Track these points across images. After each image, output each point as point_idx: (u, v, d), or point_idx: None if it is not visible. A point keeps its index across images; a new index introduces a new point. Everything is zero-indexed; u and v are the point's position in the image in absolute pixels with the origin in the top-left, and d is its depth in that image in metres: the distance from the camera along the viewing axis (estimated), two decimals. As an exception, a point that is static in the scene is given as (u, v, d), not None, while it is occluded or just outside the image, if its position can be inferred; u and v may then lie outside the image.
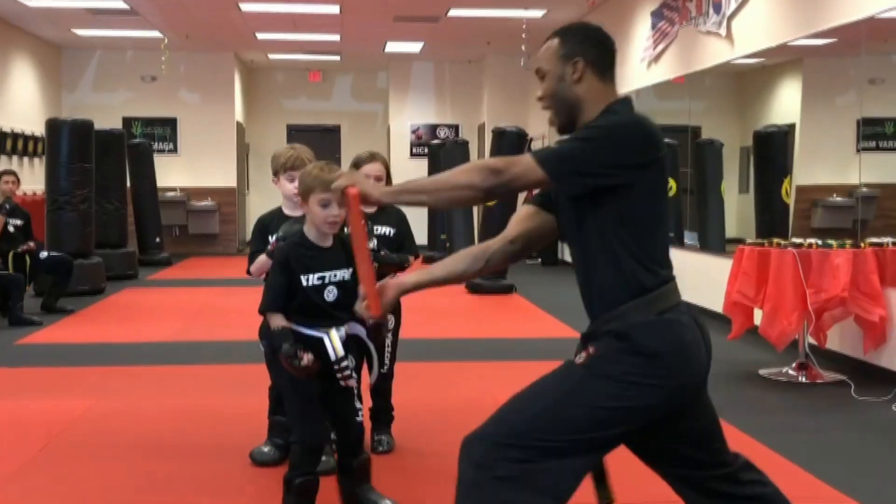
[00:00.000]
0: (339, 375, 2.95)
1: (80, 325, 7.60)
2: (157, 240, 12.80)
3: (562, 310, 8.29)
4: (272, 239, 3.42)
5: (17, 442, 4.16)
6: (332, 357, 2.92)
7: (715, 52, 7.92)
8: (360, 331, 3.04)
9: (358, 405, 3.37)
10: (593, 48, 2.29)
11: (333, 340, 2.93)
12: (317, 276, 2.98)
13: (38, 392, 5.18)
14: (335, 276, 3.00)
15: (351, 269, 2.98)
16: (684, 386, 2.14)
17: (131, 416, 4.65)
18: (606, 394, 2.09)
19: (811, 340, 5.53)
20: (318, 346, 2.93)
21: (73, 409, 4.73)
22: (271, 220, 3.61)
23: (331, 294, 2.99)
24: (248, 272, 3.55)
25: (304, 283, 2.96)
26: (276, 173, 3.69)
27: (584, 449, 2.11)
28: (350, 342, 3.02)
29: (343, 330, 2.99)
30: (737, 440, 4.18)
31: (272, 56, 15.27)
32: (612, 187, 2.12)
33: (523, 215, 2.45)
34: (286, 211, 3.67)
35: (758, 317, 5.54)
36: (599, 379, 2.11)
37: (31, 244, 8.10)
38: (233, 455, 3.86)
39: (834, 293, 5.19)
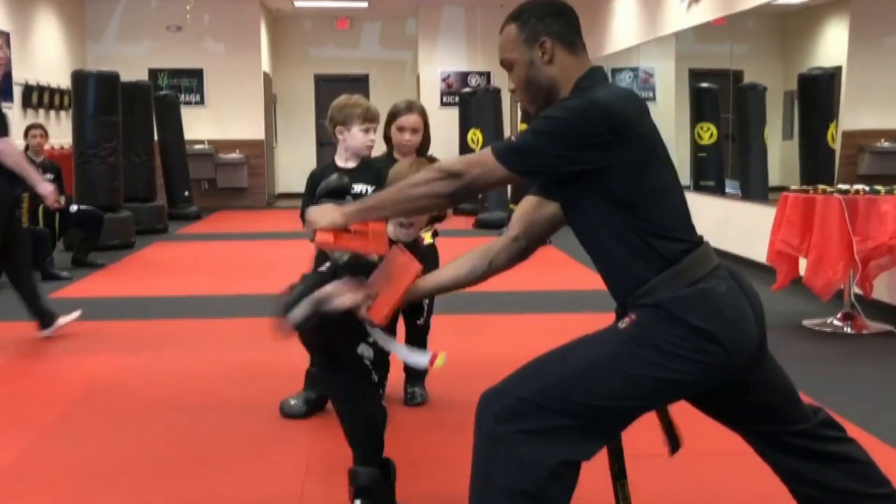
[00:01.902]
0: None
1: (111, 280, 7.59)
2: (186, 193, 12.77)
3: (597, 260, 8.17)
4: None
5: (50, 397, 4.14)
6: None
7: (757, -8, 7.66)
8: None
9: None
10: (555, 22, 2.11)
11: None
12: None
13: (70, 347, 5.17)
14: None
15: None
16: (732, 359, 2.00)
17: (163, 371, 4.61)
18: (648, 362, 1.97)
19: (857, 290, 5.40)
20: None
21: (105, 363, 4.71)
22: (322, 173, 3.52)
23: None
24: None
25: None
26: (343, 123, 3.58)
27: (611, 416, 2.02)
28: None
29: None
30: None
31: (298, 4, 15.06)
32: (587, 171, 1.99)
33: (526, 209, 2.34)
34: (340, 163, 3.60)
35: (802, 266, 5.39)
36: (642, 347, 1.99)
37: (62, 200, 8.07)
38: (266, 410, 3.83)
39: (881, 241, 5.06)
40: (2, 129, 5.00)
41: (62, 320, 5.29)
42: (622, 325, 2.05)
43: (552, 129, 1.99)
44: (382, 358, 2.71)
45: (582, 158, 1.98)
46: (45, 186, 5.24)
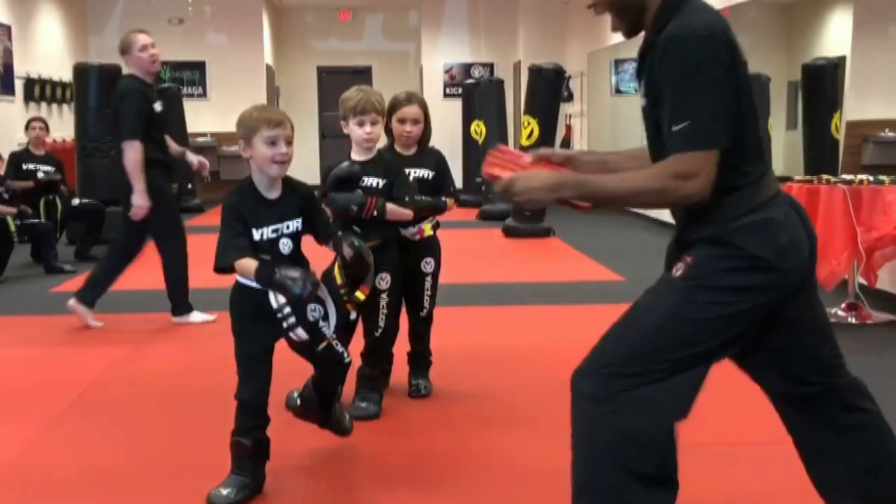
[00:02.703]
0: (284, 325, 2.78)
1: (114, 272, 7.58)
2: (189, 186, 12.76)
3: (601, 252, 8.17)
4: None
5: (53, 390, 4.14)
6: (274, 306, 2.76)
7: (760, -18, 7.63)
8: (323, 292, 2.84)
9: (340, 349, 3.01)
10: None
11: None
12: (270, 228, 2.81)
13: (74, 340, 5.18)
14: (288, 227, 2.83)
15: (301, 219, 2.85)
16: (787, 280, 2.04)
17: (167, 364, 4.62)
18: (712, 303, 2.02)
19: (861, 280, 5.39)
20: (263, 298, 2.77)
21: (108, 356, 4.71)
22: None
23: (286, 247, 2.83)
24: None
25: (257, 237, 2.78)
26: (344, 118, 3.57)
27: (699, 361, 2.06)
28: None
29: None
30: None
31: (301, -4, 15.04)
32: None
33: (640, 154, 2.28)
34: (354, 156, 3.59)
35: (806, 257, 5.38)
36: (703, 290, 2.03)
37: (63, 188, 8.09)
38: (271, 403, 3.80)
39: (886, 231, 5.05)
40: (135, 133, 5.13)
41: (196, 316, 5.51)
42: (678, 272, 2.08)
43: (702, 79, 1.94)
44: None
45: (730, 89, 1.96)
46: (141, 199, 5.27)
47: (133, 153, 5.12)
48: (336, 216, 3.44)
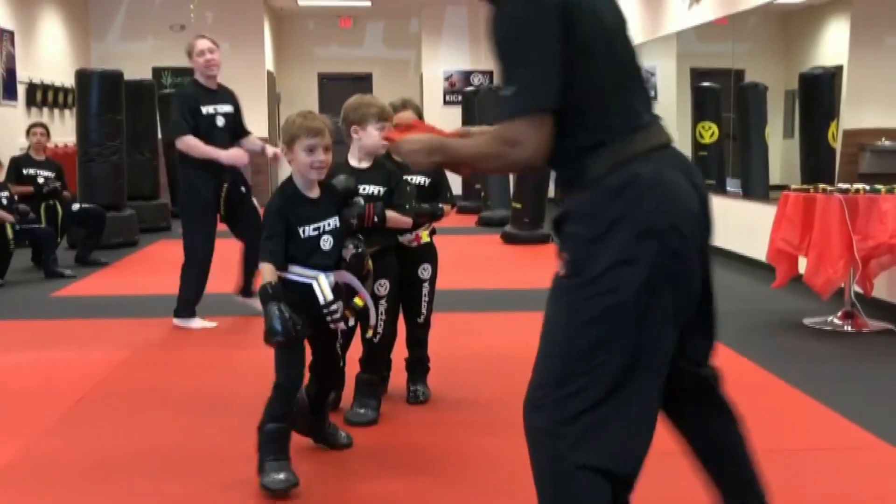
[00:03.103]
0: (329, 318, 3.02)
1: (114, 278, 7.62)
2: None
3: (598, 259, 8.19)
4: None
5: (53, 394, 4.16)
6: (322, 301, 2.99)
7: (759, -8, 7.67)
8: (351, 279, 3.12)
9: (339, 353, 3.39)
10: None
11: (322, 285, 3.00)
12: (312, 226, 3.05)
13: (74, 344, 5.19)
14: (329, 224, 3.08)
15: (338, 217, 3.12)
16: (665, 239, 1.87)
17: (167, 369, 4.64)
18: (597, 295, 1.87)
19: (857, 289, 5.41)
20: (308, 292, 3.00)
21: (108, 361, 4.73)
22: (333, 172, 3.54)
23: (326, 243, 3.07)
24: None
25: (302, 234, 3.02)
26: (358, 123, 3.59)
27: (631, 366, 1.88)
28: (341, 290, 3.10)
29: (332, 276, 3.06)
30: (781, 390, 4.11)
31: (302, 2, 15.07)
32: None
33: None
34: (353, 163, 3.62)
35: (802, 265, 5.41)
36: (585, 286, 1.88)
37: (59, 187, 8.12)
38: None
39: (881, 240, 5.07)
40: (177, 129, 5.30)
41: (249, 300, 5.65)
42: (561, 271, 1.96)
43: (526, 42, 1.88)
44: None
45: (564, 49, 1.88)
46: (227, 155, 5.37)
47: (183, 144, 5.32)
48: None
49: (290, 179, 3.10)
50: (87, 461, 3.33)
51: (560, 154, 1.93)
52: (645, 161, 1.91)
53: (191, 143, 5.29)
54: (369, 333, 3.59)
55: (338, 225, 3.11)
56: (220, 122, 5.38)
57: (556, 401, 1.91)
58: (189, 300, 5.52)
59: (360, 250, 3.11)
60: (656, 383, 1.95)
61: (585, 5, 1.91)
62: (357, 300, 3.17)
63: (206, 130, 5.31)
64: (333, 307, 3.01)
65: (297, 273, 3.03)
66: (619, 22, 2.01)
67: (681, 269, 1.91)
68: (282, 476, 2.95)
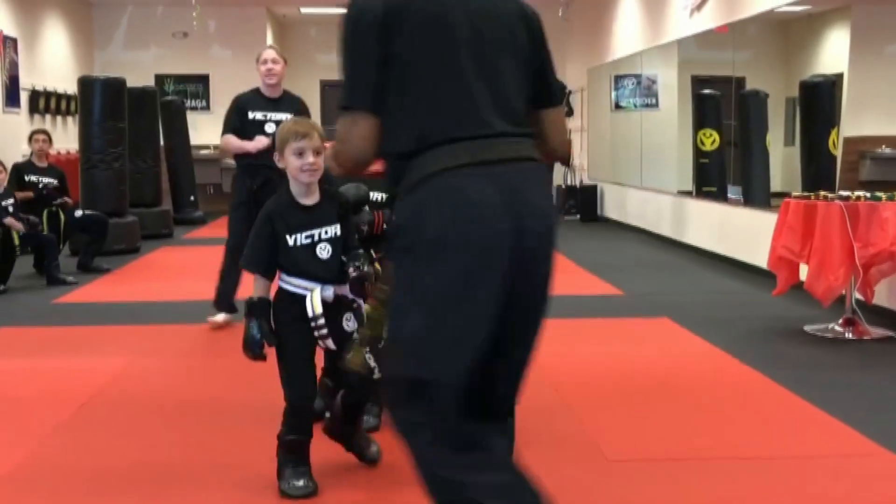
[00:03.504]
0: (315, 334, 2.95)
1: (116, 284, 7.63)
2: (192, 198, 12.81)
3: (600, 266, 8.20)
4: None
5: (55, 400, 4.17)
6: (311, 314, 2.92)
7: (760, 0, 7.68)
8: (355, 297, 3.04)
9: (372, 363, 3.23)
10: None
11: (314, 299, 2.92)
12: (304, 234, 2.96)
13: (76, 351, 5.20)
14: (325, 232, 2.98)
15: (339, 226, 3.01)
16: (444, 247, 1.89)
17: (168, 375, 4.64)
18: (400, 307, 1.99)
19: (858, 296, 5.41)
20: (303, 302, 2.95)
21: (110, 367, 4.73)
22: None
23: (324, 251, 2.98)
24: None
25: (291, 242, 2.95)
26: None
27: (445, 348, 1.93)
28: (344, 304, 3.02)
29: (331, 290, 2.97)
30: (782, 397, 4.11)
31: (304, 10, 15.11)
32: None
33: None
34: None
35: (803, 272, 5.42)
36: (393, 297, 2.03)
37: (67, 199, 8.14)
38: (275, 415, 3.83)
39: (882, 247, 5.07)
40: (223, 129, 5.59)
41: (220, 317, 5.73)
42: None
43: (345, 52, 2.05)
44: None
45: (380, 57, 2.01)
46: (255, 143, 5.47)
47: (221, 142, 5.65)
48: None
49: (287, 186, 3.04)
50: (88, 468, 3.33)
51: (386, 161, 2.04)
52: (452, 175, 1.92)
53: (224, 140, 5.57)
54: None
55: (338, 233, 3.01)
56: (270, 128, 5.46)
57: (387, 383, 2.11)
58: (221, 293, 5.67)
59: (361, 272, 2.97)
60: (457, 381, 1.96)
61: (411, 22, 1.97)
62: (366, 305, 3.14)
63: (251, 134, 5.44)
64: (320, 322, 2.92)
65: (295, 285, 2.98)
66: (472, 34, 1.99)
67: (464, 287, 1.91)
68: (301, 483, 2.97)
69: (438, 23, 1.98)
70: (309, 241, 2.96)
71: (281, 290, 3.01)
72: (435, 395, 1.93)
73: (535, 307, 2.02)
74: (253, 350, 2.92)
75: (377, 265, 3.41)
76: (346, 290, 3.02)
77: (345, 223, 3.07)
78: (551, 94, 2.14)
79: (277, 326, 2.98)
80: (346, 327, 3.01)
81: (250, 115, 5.49)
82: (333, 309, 2.97)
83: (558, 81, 2.20)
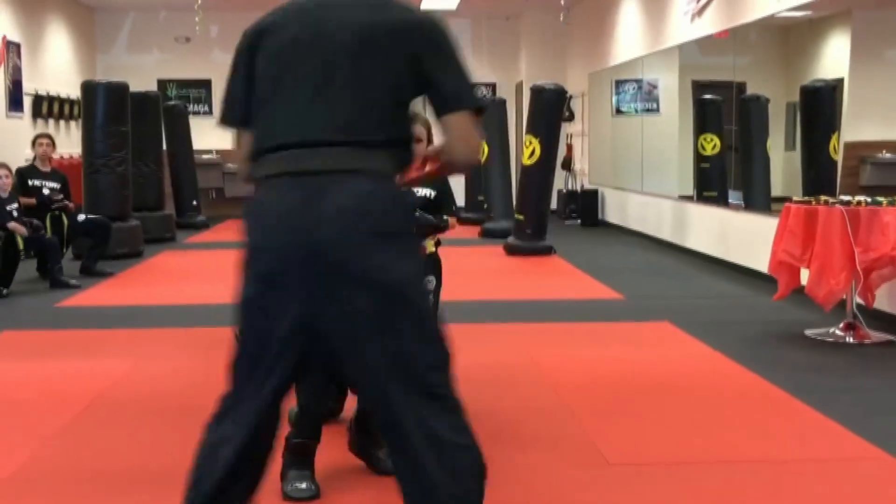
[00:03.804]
0: None
1: (119, 288, 7.65)
2: (194, 203, 12.84)
3: (601, 271, 8.21)
4: None
5: (58, 403, 4.18)
6: None
7: (760, 5, 7.71)
8: None
9: None
10: None
11: None
12: None
13: (79, 354, 5.22)
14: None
15: None
16: (248, 260, 2.04)
17: (171, 378, 4.66)
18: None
19: (859, 300, 5.42)
20: None
21: (113, 371, 4.75)
22: None
23: None
24: None
25: None
26: None
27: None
28: None
29: None
30: (783, 401, 4.12)
31: (306, 16, 15.15)
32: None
33: None
34: None
35: (804, 277, 5.43)
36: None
37: (69, 203, 8.16)
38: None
39: (883, 252, 5.08)
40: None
41: None
42: None
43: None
44: None
45: (243, 76, 2.17)
46: None
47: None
48: None
49: None
50: (90, 471, 3.34)
51: None
52: (267, 183, 2.05)
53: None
54: None
55: None
56: None
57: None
58: None
59: None
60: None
61: (266, 40, 2.11)
62: None
63: None
64: None
65: None
66: (313, 49, 2.05)
67: (252, 298, 2.03)
68: (304, 485, 3.01)
69: (284, 40, 2.08)
70: None
71: None
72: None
73: (357, 313, 1.94)
74: None
75: None
76: None
77: None
78: (444, 100, 2.10)
79: None
80: None
81: None
82: None
83: (465, 85, 2.15)
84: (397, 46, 2.04)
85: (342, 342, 1.99)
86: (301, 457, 3.05)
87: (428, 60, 2.06)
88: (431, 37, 2.09)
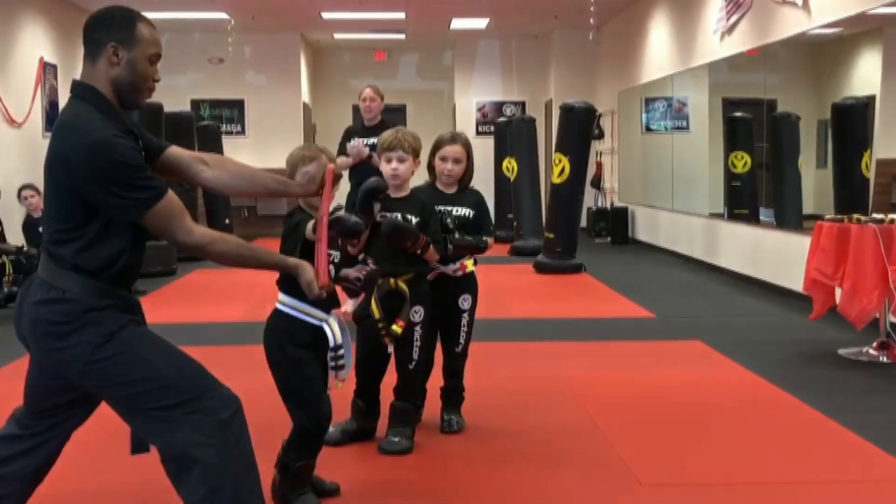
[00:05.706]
0: (332, 364, 2.99)
1: (153, 306, 7.67)
2: (227, 221, 12.96)
3: (632, 289, 8.19)
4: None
5: (91, 421, 4.21)
6: (332, 343, 2.97)
7: (791, 23, 7.69)
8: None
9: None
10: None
11: (333, 327, 2.98)
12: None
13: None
14: (333, 256, 3.02)
15: (340, 252, 3.07)
16: None
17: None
18: None
19: (892, 319, 5.38)
20: (318, 333, 2.99)
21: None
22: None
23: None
24: None
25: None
26: (379, 155, 3.73)
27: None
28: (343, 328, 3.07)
29: (336, 325, 3.01)
30: (816, 422, 4.10)
31: (338, 36, 15.31)
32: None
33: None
34: (391, 193, 3.67)
35: (839, 295, 5.38)
36: None
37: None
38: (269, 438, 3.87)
39: (917, 270, 5.03)
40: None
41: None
42: None
43: None
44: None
45: None
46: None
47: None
48: (386, 238, 3.54)
49: (298, 205, 3.13)
50: (95, 469, 3.37)
51: None
52: None
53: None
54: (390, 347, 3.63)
55: (337, 260, 3.06)
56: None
57: None
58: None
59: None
60: None
61: None
62: (395, 327, 3.23)
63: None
64: (341, 352, 2.98)
65: (308, 314, 3.01)
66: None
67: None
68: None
69: None
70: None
71: (291, 318, 3.04)
72: None
73: (56, 384, 2.76)
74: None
75: (401, 284, 3.51)
76: (339, 316, 3.07)
77: (338, 244, 3.11)
78: None
79: (287, 352, 3.02)
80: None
81: (356, 141, 5.84)
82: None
83: (122, 202, 2.54)
84: (65, 171, 2.53)
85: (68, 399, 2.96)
86: (303, 480, 3.09)
87: (86, 186, 2.51)
88: (79, 162, 2.51)
